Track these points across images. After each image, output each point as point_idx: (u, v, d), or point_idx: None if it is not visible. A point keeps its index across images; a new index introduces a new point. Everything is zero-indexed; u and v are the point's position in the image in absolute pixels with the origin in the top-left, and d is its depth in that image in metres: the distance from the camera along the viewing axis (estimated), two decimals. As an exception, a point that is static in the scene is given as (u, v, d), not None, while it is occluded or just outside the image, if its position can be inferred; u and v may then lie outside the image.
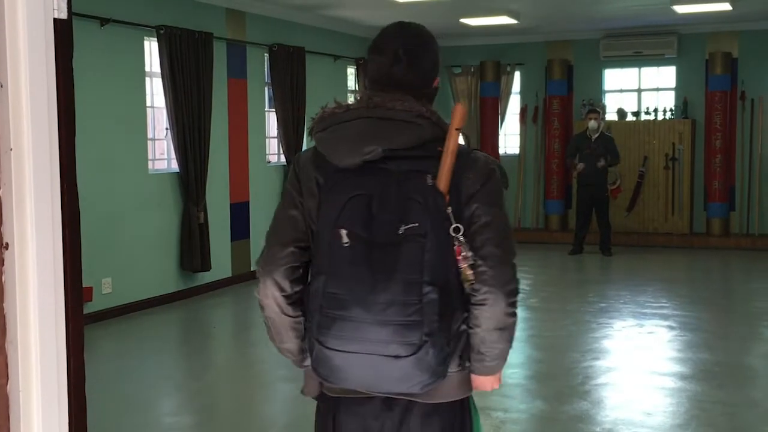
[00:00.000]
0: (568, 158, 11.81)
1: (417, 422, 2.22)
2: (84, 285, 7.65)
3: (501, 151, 13.34)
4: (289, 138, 10.19)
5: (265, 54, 10.07)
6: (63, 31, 2.16)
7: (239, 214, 9.65)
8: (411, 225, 2.04)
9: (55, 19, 2.14)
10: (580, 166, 11.32)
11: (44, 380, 2.11)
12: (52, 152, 2.14)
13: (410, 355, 2.04)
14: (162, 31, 8.26)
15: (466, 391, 2.26)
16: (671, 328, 7.39)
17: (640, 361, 6.37)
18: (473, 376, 2.27)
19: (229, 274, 9.48)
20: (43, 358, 2.11)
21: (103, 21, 7.68)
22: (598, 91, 12.91)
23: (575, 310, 8.19)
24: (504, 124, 13.34)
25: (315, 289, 2.13)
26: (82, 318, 2.25)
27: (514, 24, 11.33)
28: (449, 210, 2.10)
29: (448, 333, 2.11)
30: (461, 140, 2.21)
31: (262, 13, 9.89)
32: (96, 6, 7.62)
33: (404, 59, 2.25)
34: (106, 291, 7.82)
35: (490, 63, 13.08)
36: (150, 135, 8.62)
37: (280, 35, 10.19)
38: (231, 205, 9.52)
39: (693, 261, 11.30)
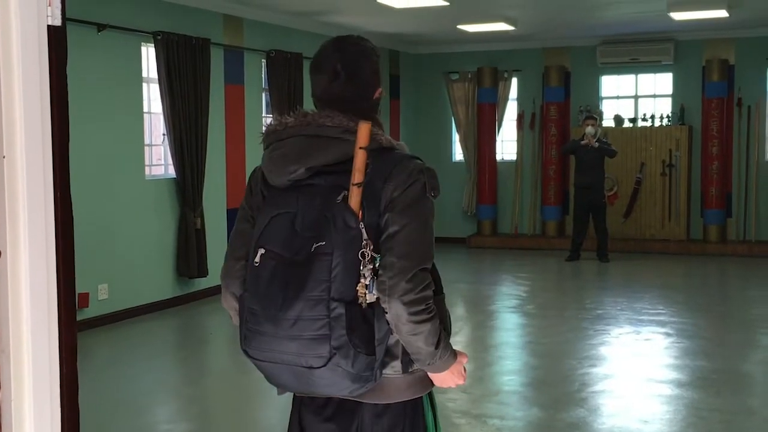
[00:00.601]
0: (564, 150, 11.82)
1: (367, 422, 2.30)
2: (80, 291, 7.66)
3: (498, 158, 13.34)
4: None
5: (263, 60, 10.07)
6: (57, 38, 2.15)
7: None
8: (320, 243, 2.10)
9: (48, 26, 2.13)
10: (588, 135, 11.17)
11: (37, 388, 2.10)
12: (46, 160, 2.13)
13: (322, 367, 2.12)
14: (159, 37, 8.26)
15: (414, 393, 2.32)
16: (668, 335, 7.38)
17: (637, 368, 6.36)
18: (432, 377, 2.34)
19: (226, 280, 9.45)
20: (36, 366, 2.10)
21: (100, 27, 7.68)
22: (595, 98, 12.92)
23: (572, 316, 8.18)
24: (501, 130, 13.34)
25: (242, 303, 2.27)
26: (75, 326, 2.24)
27: (512, 30, 11.34)
28: (362, 226, 2.12)
29: (368, 341, 2.14)
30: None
31: (260, 19, 9.90)
32: (93, 12, 7.62)
33: (343, 74, 2.30)
34: (102, 297, 7.81)
35: (488, 69, 13.09)
36: (147, 141, 8.62)
37: (278, 41, 10.19)
38: (228, 210, 9.51)
39: (690, 268, 11.31)
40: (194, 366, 6.91)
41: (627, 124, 12.62)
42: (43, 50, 2.11)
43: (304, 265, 2.10)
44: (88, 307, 7.60)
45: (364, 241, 2.12)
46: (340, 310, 2.09)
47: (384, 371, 2.23)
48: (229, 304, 2.41)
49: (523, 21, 10.95)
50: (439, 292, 2.29)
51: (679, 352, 6.86)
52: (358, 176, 2.15)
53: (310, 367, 2.13)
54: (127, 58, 8.16)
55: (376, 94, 2.39)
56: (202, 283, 9.02)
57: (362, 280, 2.12)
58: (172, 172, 8.71)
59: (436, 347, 2.22)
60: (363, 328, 2.13)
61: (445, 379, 2.34)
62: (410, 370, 2.28)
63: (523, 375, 6.33)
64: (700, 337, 7.34)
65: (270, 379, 2.29)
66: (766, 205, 12.06)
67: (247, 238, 2.31)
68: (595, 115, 11.70)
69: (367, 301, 2.14)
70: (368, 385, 2.18)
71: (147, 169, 8.56)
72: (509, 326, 8.18)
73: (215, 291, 9.12)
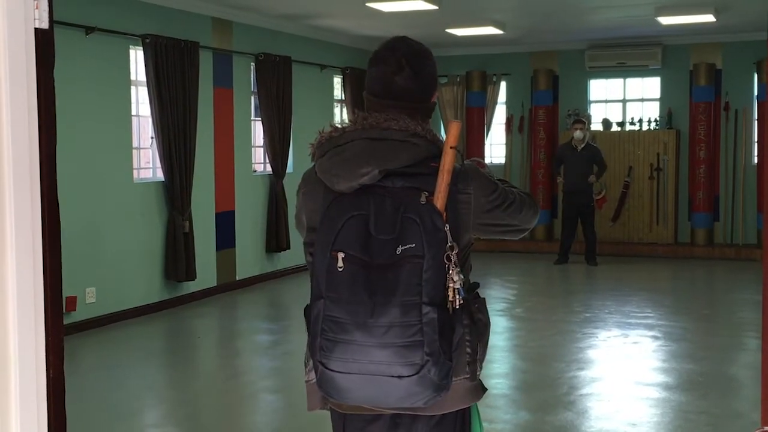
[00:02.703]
0: (554, 171, 11.88)
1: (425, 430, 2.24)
2: (67, 294, 7.62)
3: (487, 161, 13.35)
4: (275, 147, 10.17)
5: (252, 63, 10.06)
6: (44, 42, 2.14)
7: (224, 224, 9.62)
8: (408, 246, 2.04)
9: (36, 29, 2.13)
10: (560, 181, 11.43)
11: (23, 392, 2.10)
12: (32, 164, 2.12)
13: (413, 375, 2.05)
14: (148, 40, 8.25)
15: (470, 401, 2.26)
16: (656, 338, 7.41)
17: (624, 371, 6.38)
18: None
19: (215, 284, 9.45)
20: (22, 370, 2.09)
21: (89, 30, 7.66)
22: (584, 102, 12.97)
23: (560, 320, 8.20)
24: (490, 133, 13.37)
25: (316, 313, 2.13)
26: (62, 330, 2.23)
27: (500, 34, 11.36)
28: (447, 228, 2.09)
29: (450, 348, 2.10)
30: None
31: (249, 22, 9.89)
32: (81, 14, 7.60)
33: (407, 68, 2.25)
34: (89, 300, 7.78)
35: (476, 73, 13.12)
36: (135, 144, 8.60)
37: (267, 44, 10.19)
38: (216, 214, 9.50)
39: (677, 271, 11.35)
40: (182, 370, 6.89)
41: (615, 128, 12.66)
42: (30, 53, 2.11)
43: (392, 268, 2.04)
44: (75, 310, 7.56)
45: (450, 244, 2.08)
46: (433, 314, 2.04)
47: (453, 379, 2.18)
48: None
49: (511, 25, 10.98)
50: (474, 287, 2.28)
51: (666, 355, 6.89)
52: (447, 177, 2.12)
53: (399, 377, 2.06)
54: (115, 61, 8.14)
55: (434, 98, 2.35)
56: (191, 287, 9.00)
57: (451, 284, 2.07)
58: (160, 175, 8.69)
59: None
60: (448, 334, 2.09)
61: None
62: (467, 377, 2.20)
63: (511, 378, 6.34)
64: (688, 340, 7.37)
65: (341, 393, 2.15)
66: (753, 209, 12.10)
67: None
68: (584, 119, 11.72)
69: (458, 305, 2.09)
70: (443, 393, 2.11)
71: (135, 172, 8.54)
72: (497, 330, 8.18)
73: (203, 295, 9.13)
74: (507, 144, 13.37)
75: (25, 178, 2.09)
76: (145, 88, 8.41)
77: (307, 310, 2.20)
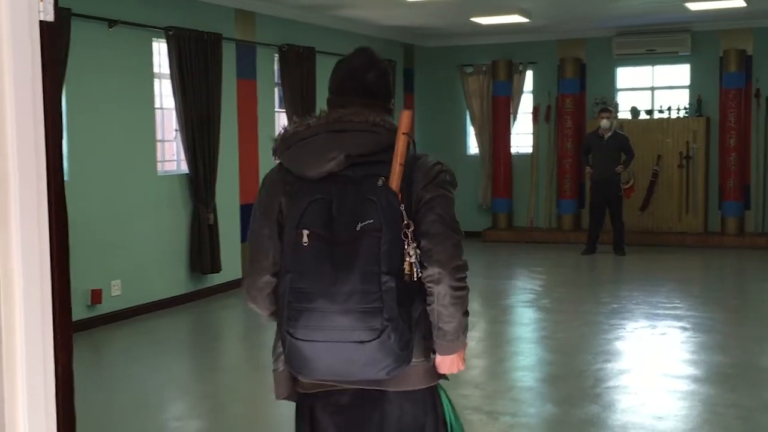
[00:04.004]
0: (582, 159, 11.75)
1: (391, 410, 2.40)
2: (93, 287, 7.63)
3: (513, 151, 13.25)
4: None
5: (275, 54, 10.03)
6: (50, 34, 2.11)
7: (249, 216, 9.57)
8: (367, 221, 2.25)
9: (41, 22, 2.09)
10: (588, 170, 11.31)
11: (30, 389, 2.07)
12: (39, 159, 2.09)
13: (373, 340, 2.22)
14: (171, 32, 8.24)
15: (432, 380, 2.44)
16: (684, 329, 7.29)
17: (652, 363, 6.29)
18: (438, 359, 2.42)
19: (239, 276, 9.43)
20: (29, 367, 2.06)
21: (111, 22, 7.66)
22: (611, 90, 12.81)
23: (587, 311, 8.11)
24: (516, 123, 13.25)
25: (283, 286, 2.31)
26: (70, 326, 2.20)
27: (526, 22, 11.24)
28: (402, 207, 2.29)
29: (409, 319, 2.28)
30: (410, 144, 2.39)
31: (272, 13, 9.86)
32: (104, 7, 7.60)
33: (376, 68, 2.54)
34: (115, 293, 7.80)
35: (502, 62, 13.00)
36: (159, 137, 8.60)
37: (290, 35, 10.15)
38: (241, 206, 9.49)
39: (707, 261, 11.19)
40: (207, 362, 6.89)
41: (643, 116, 12.49)
42: (36, 47, 2.07)
43: (352, 242, 2.24)
44: (101, 303, 7.59)
45: (405, 222, 2.27)
46: (391, 283, 2.22)
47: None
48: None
49: (537, 13, 10.85)
50: None
51: (695, 346, 6.78)
52: (400, 159, 2.32)
53: (361, 342, 2.22)
54: (138, 54, 8.14)
55: (391, 103, 2.60)
56: (215, 279, 9.01)
57: (408, 258, 2.27)
58: (184, 167, 8.69)
59: (466, 316, 2.38)
60: (406, 306, 2.28)
61: (452, 363, 2.43)
62: (431, 356, 2.40)
63: (537, 370, 6.27)
64: (717, 331, 7.25)
65: (307, 364, 2.30)
66: (785, 197, 11.90)
67: (272, 242, 2.42)
68: (611, 108, 11.58)
69: (415, 277, 2.28)
70: (403, 366, 2.28)
71: (159, 165, 8.55)
72: (524, 321, 8.12)
73: (228, 287, 9.12)
74: (534, 133, 13.25)
75: (30, 175, 2.05)
76: (169, 81, 8.41)
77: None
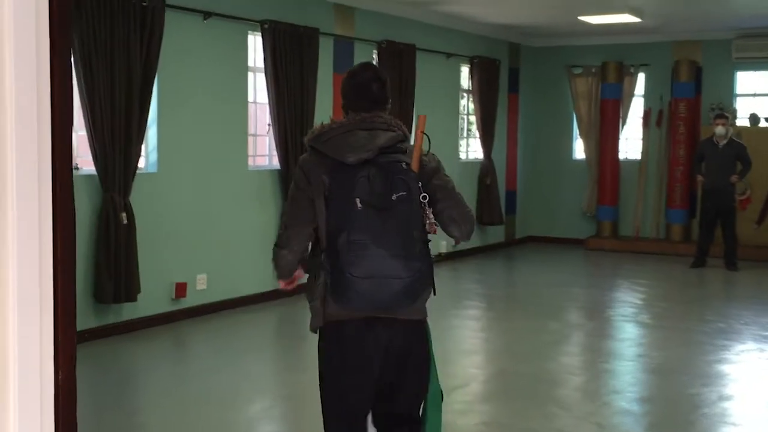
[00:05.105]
0: (694, 167, 11.14)
1: (400, 331, 3.16)
2: (178, 281, 7.55)
3: (621, 157, 12.70)
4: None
5: (374, 50, 9.84)
6: (60, 6, 1.92)
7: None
8: (400, 193, 3.00)
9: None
10: (700, 179, 10.70)
11: (23, 397, 1.88)
12: (42, 146, 1.89)
13: (408, 278, 3.00)
14: (266, 26, 8.13)
15: (424, 315, 3.24)
16: (797, 354, 6.73)
17: (758, 391, 5.78)
18: None
19: (329, 275, 9.27)
20: (23, 372, 1.87)
21: (206, 14, 7.60)
22: (729, 95, 12.11)
23: (690, 329, 7.59)
24: (625, 127, 12.68)
25: (341, 240, 2.98)
26: (74, 330, 2.00)
27: (638, 22, 10.71)
28: (420, 184, 3.08)
29: (429, 265, 3.09)
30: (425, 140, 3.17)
31: (372, 8, 9.66)
32: (199, -1, 7.56)
33: (381, 80, 3.24)
34: (200, 287, 7.74)
35: (613, 63, 12.46)
36: (251, 131, 8.51)
37: (390, 31, 9.93)
38: (333, 204, 9.31)
39: (828, 280, 10.41)
40: (291, 362, 6.73)
41: (763, 124, 11.75)
42: (43, 19, 1.88)
43: (390, 209, 2.97)
44: (185, 297, 7.54)
45: (423, 193, 3.07)
46: (418, 236, 3.04)
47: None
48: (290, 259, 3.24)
49: (650, 12, 10.31)
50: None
51: (808, 374, 6.22)
52: (418, 152, 3.11)
53: (401, 278, 2.98)
54: (233, 47, 8.06)
55: (389, 103, 3.33)
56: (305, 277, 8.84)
57: (426, 220, 3.08)
58: (276, 163, 8.57)
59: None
60: (427, 255, 3.10)
61: None
62: (423, 298, 3.17)
63: (629, 391, 5.84)
64: (834, 358, 6.65)
65: (359, 296, 2.99)
66: None
67: (311, 208, 3.12)
68: (727, 114, 10.91)
69: (435, 231, 3.11)
70: (411, 306, 3.10)
71: (250, 159, 8.45)
72: (621, 336, 7.66)
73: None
74: (644, 139, 12.66)
75: (31, 163, 1.86)
76: (263, 75, 8.31)
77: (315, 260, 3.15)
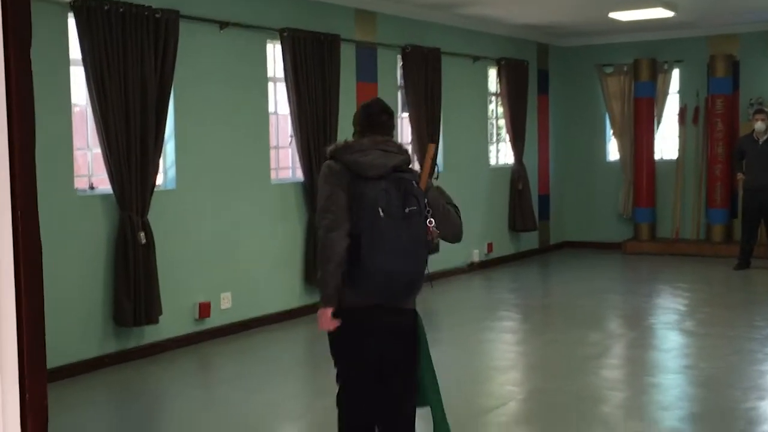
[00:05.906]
0: (734, 165, 10.74)
1: (404, 318, 3.75)
2: (201, 300, 7.30)
3: (657, 156, 12.30)
4: (424, 142, 9.60)
5: (398, 56, 9.55)
6: (15, 12, 1.65)
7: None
8: (413, 207, 3.57)
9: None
10: (741, 177, 10.30)
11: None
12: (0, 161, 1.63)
13: (416, 272, 3.62)
14: (285, 34, 7.88)
15: (415, 305, 3.83)
16: None
17: (816, 403, 5.40)
18: None
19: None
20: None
21: (223, 24, 7.36)
22: (768, 89, 11.69)
23: (738, 336, 7.21)
24: (660, 126, 12.28)
25: (365, 240, 3.49)
26: (44, 384, 1.72)
27: (671, 17, 10.34)
28: (426, 200, 3.65)
29: (427, 265, 3.71)
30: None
31: (395, 13, 9.39)
32: (214, 8, 7.32)
33: (388, 112, 3.85)
34: (225, 306, 7.49)
35: (645, 61, 12.07)
36: (273, 143, 8.26)
37: (414, 36, 9.65)
38: (360, 215, 9.02)
39: None
40: (319, 383, 6.43)
41: (805, 118, 11.30)
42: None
43: (404, 219, 3.54)
44: (209, 317, 7.30)
45: (427, 208, 3.64)
46: (425, 242, 3.63)
47: None
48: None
49: (683, 6, 9.93)
50: None
51: None
52: (425, 174, 3.74)
53: (411, 273, 3.61)
54: (251, 57, 7.82)
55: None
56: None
57: (431, 229, 3.64)
58: (299, 175, 8.31)
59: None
60: (427, 257, 3.70)
61: None
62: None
63: (678, 407, 5.48)
64: None
65: (376, 287, 3.57)
66: None
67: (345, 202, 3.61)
68: (767, 109, 10.51)
69: (435, 240, 3.70)
70: (409, 298, 3.74)
71: (273, 172, 8.20)
72: (665, 346, 7.29)
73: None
74: (680, 137, 12.26)
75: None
76: (284, 85, 8.05)
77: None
